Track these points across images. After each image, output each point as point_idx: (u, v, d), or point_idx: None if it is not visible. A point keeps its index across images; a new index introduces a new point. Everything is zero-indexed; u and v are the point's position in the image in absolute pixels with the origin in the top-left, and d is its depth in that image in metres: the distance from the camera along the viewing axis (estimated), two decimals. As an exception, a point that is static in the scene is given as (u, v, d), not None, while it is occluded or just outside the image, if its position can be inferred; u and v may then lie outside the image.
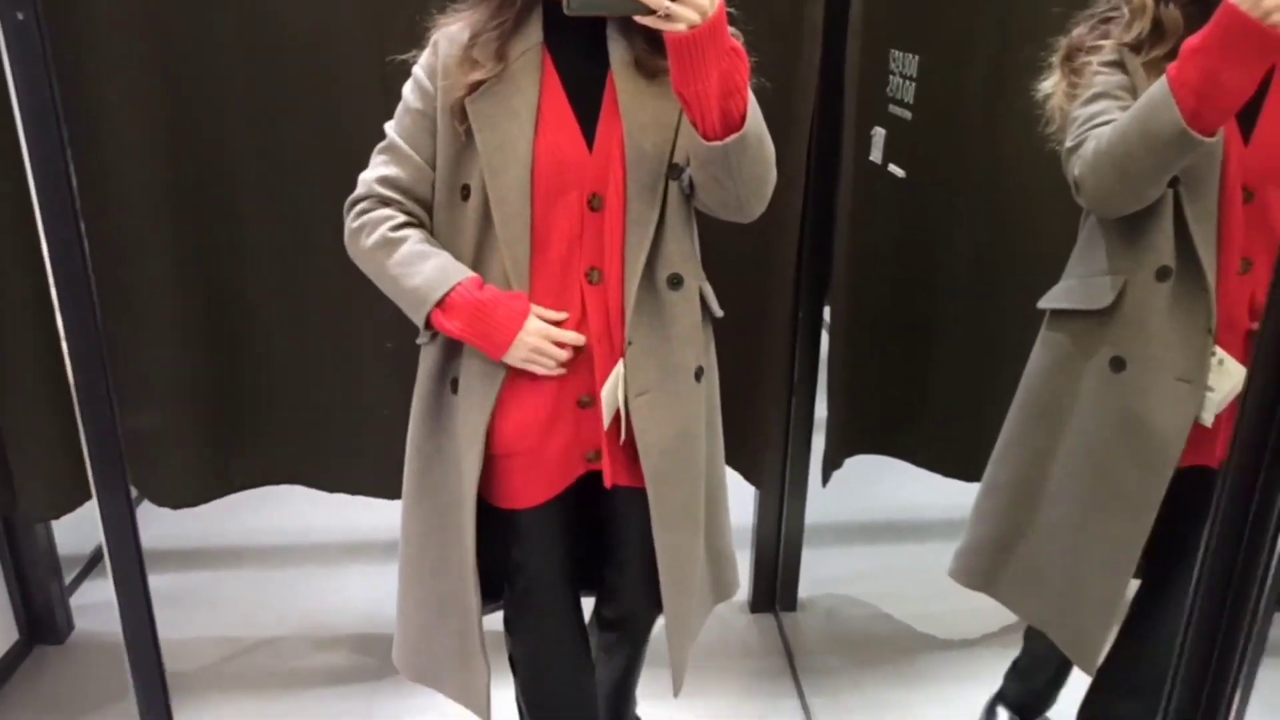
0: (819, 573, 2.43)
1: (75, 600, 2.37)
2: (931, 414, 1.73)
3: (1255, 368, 0.66)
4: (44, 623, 2.25)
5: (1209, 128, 1.20)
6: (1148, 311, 1.37)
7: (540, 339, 1.29)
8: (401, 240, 1.31)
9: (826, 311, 2.13)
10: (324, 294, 2.01)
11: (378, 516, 2.45)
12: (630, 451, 1.38)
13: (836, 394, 2.15)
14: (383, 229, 1.32)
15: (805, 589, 2.40)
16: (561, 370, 1.32)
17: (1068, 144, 1.37)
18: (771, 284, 2.05)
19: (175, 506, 2.10)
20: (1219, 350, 1.35)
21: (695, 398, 1.40)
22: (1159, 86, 1.22)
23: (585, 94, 1.29)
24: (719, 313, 1.46)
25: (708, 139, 1.19)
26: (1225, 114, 1.21)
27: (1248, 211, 1.34)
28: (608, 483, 1.38)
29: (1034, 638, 1.84)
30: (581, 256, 1.32)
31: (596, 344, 1.34)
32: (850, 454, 2.27)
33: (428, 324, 1.32)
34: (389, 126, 1.36)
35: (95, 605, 2.38)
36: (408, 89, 1.34)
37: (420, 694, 2.10)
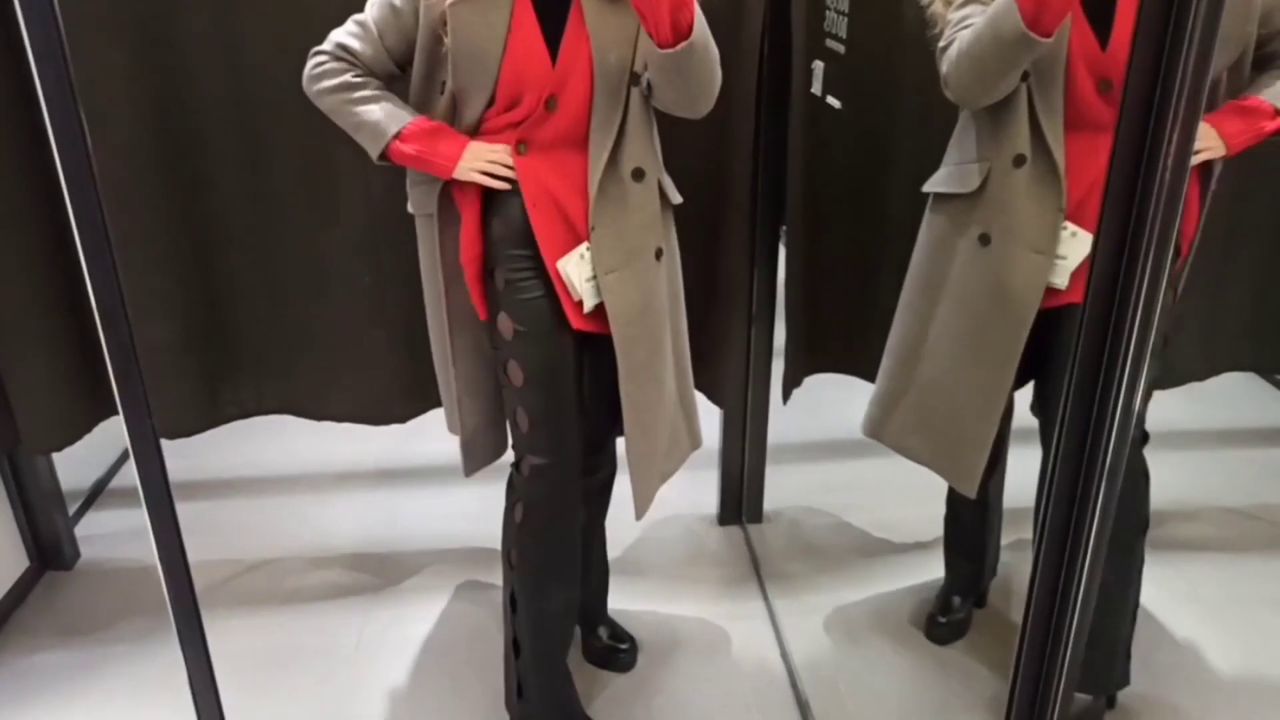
0: (782, 486, 2.57)
1: (79, 531, 2.50)
2: (881, 332, 1.85)
3: (1100, 232, 0.79)
4: (52, 551, 2.38)
5: (1046, 30, 1.37)
6: (1008, 193, 1.57)
7: (484, 155, 1.50)
8: (361, 85, 1.53)
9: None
10: (305, 228, 2.10)
11: (364, 445, 2.59)
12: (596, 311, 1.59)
13: (794, 316, 2.27)
14: (344, 76, 1.53)
15: (770, 502, 2.55)
16: (506, 186, 1.52)
17: (940, 44, 1.55)
18: (729, 212, 2.16)
19: (172, 437, 2.21)
20: (1069, 224, 1.54)
21: (656, 274, 1.61)
22: None
23: (552, 13, 1.47)
24: (676, 199, 1.66)
25: (662, 47, 1.36)
26: (1057, 17, 1.37)
27: (1106, 98, 1.51)
28: (577, 325, 1.58)
29: (952, 509, 2.04)
30: (517, 133, 1.51)
31: (535, 211, 1.54)
32: (809, 373, 2.39)
33: (383, 155, 1.53)
34: (368, 6, 1.53)
35: (99, 535, 2.52)
36: None
37: (414, 604, 2.27)
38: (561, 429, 1.63)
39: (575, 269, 1.54)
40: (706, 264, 2.19)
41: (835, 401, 2.45)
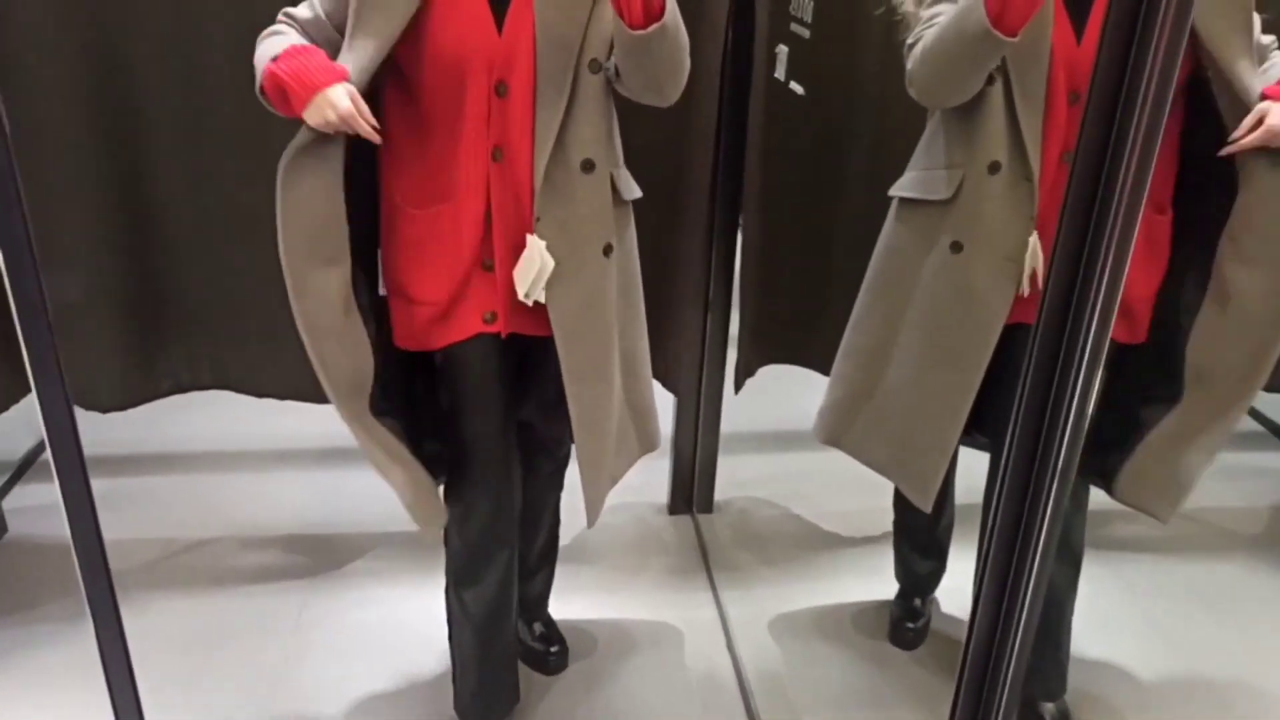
0: (734, 477, 2.56)
1: (7, 504, 2.41)
2: (837, 324, 1.84)
3: (1058, 244, 0.78)
4: (-24, 525, 2.30)
5: (1010, 28, 1.35)
6: (981, 201, 1.54)
7: (344, 106, 1.31)
8: (280, 33, 1.42)
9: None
10: (247, 200, 2.03)
11: (305, 421, 2.53)
12: (538, 308, 1.52)
13: (749, 306, 2.25)
14: (270, 31, 1.43)
15: (721, 492, 2.54)
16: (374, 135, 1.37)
17: (908, 41, 1.52)
18: (689, 197, 2.13)
19: (104, 410, 2.14)
20: (1035, 241, 1.53)
21: (603, 270, 1.53)
22: None
23: None
24: (631, 196, 1.59)
25: (633, 28, 1.31)
26: (1022, 16, 1.34)
27: (1073, 111, 1.49)
28: (503, 331, 1.53)
29: (901, 516, 2.03)
30: (488, 136, 1.44)
31: (498, 215, 1.47)
32: (762, 364, 2.38)
33: (262, 88, 1.38)
34: None
35: (27, 509, 2.43)
36: None
37: (352, 589, 2.22)
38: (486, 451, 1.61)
39: (526, 261, 1.48)
40: (664, 249, 2.16)
41: (788, 393, 2.45)
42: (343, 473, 2.67)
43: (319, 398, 2.23)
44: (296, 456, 2.73)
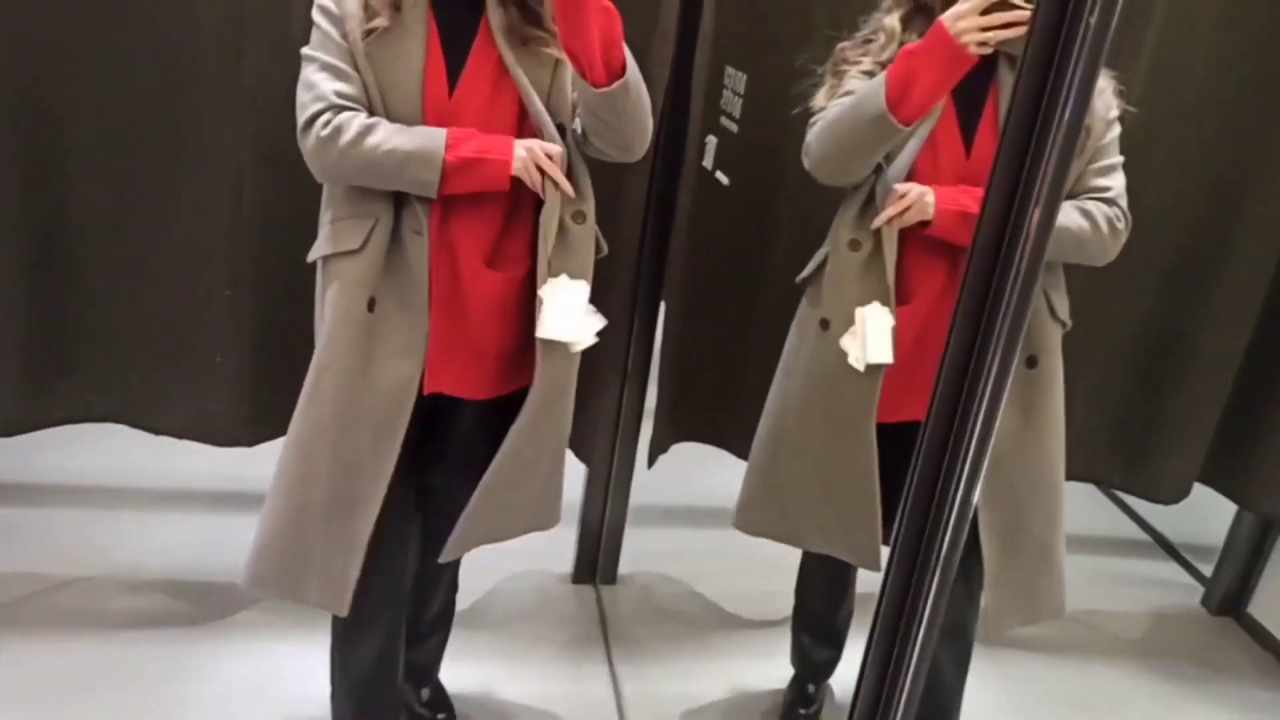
0: (639, 549, 2.56)
1: None
2: (751, 407, 1.87)
3: (950, 339, 0.82)
4: None
5: (905, 117, 1.45)
6: (844, 278, 1.62)
7: (533, 150, 1.42)
8: (379, 124, 1.39)
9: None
10: (162, 232, 1.99)
11: (198, 462, 2.44)
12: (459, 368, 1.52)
13: (666, 384, 2.28)
14: (359, 121, 1.39)
15: (625, 565, 2.53)
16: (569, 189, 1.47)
17: (812, 119, 1.60)
18: (614, 273, 2.16)
19: (-14, 435, 2.04)
20: (861, 310, 1.59)
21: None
22: (879, 78, 1.46)
23: (457, 50, 1.44)
24: (603, 250, 1.62)
25: (597, 87, 1.36)
26: (919, 108, 1.45)
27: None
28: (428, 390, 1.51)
29: (801, 602, 2.06)
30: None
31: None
32: (676, 440, 2.40)
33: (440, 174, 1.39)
34: (313, 50, 1.42)
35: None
36: (321, 19, 1.42)
37: (235, 639, 2.13)
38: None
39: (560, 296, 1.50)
40: (586, 319, 2.18)
41: (699, 469, 2.47)
42: (234, 520, 2.57)
43: (215, 438, 2.17)
44: (187, 498, 2.63)
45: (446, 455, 1.67)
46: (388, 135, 1.38)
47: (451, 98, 1.44)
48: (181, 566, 2.35)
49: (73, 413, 2.12)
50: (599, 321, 1.54)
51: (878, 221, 1.56)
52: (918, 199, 1.52)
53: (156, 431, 2.16)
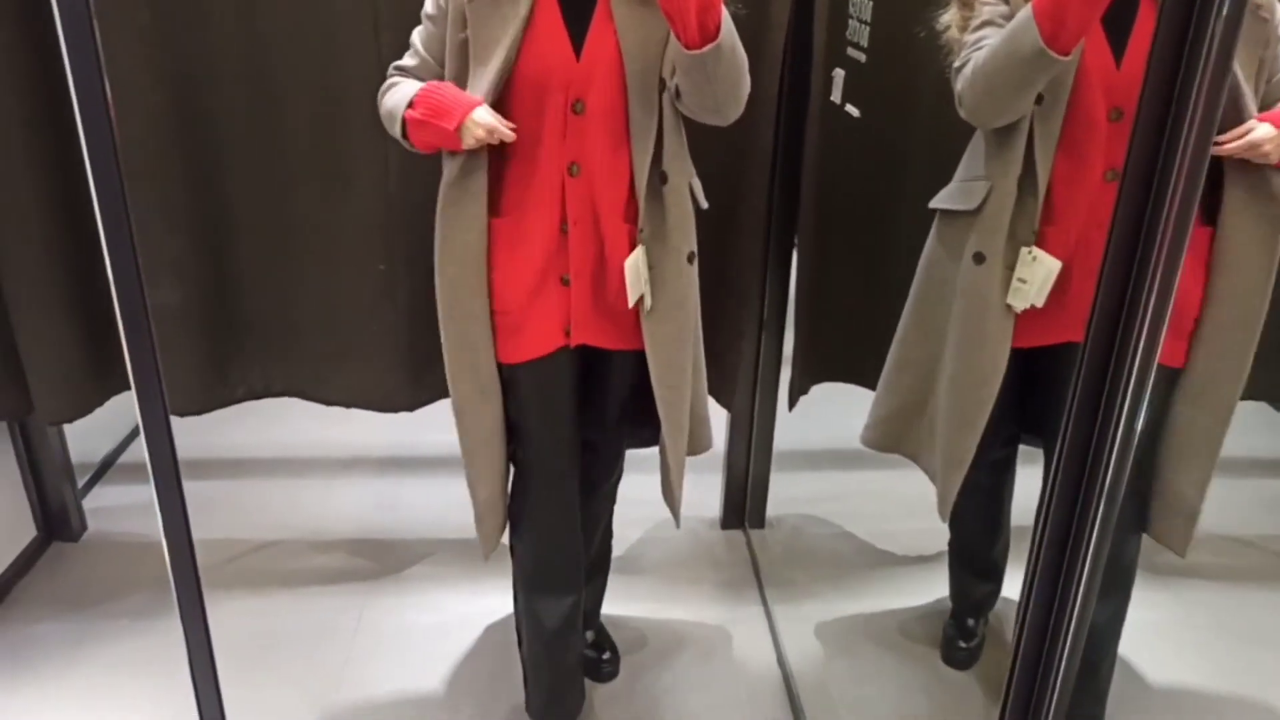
0: (786, 493, 2.57)
1: (87, 503, 2.53)
2: (889, 342, 1.85)
3: (1106, 261, 0.79)
4: (59, 522, 2.41)
5: (1064, 48, 1.36)
6: (1005, 214, 1.56)
7: (488, 122, 1.43)
8: (397, 84, 1.54)
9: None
10: (318, 218, 2.11)
11: (368, 430, 2.60)
12: (611, 320, 1.60)
13: (803, 326, 2.27)
14: (388, 83, 1.57)
15: (773, 508, 2.55)
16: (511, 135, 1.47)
17: (955, 65, 1.54)
18: (745, 217, 2.16)
19: (181, 414, 2.23)
20: (1034, 249, 1.55)
21: (689, 277, 1.61)
22: (1024, 13, 1.38)
23: (577, 10, 1.47)
24: (704, 205, 1.65)
25: (689, 48, 1.35)
26: (1076, 35, 1.37)
27: (1114, 128, 1.50)
28: (573, 343, 1.60)
29: (956, 537, 2.03)
30: (564, 152, 1.50)
31: (574, 229, 1.53)
32: (816, 381, 2.39)
33: (404, 132, 1.50)
34: (415, 30, 1.57)
35: (106, 508, 2.54)
36: (429, 4, 1.54)
37: (414, 593, 2.28)
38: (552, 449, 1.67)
39: (633, 271, 1.55)
40: (721, 268, 2.19)
41: (841, 411, 2.46)
42: (403, 480, 2.74)
43: (383, 406, 2.31)
44: (361, 464, 2.82)
45: (596, 408, 1.74)
46: (389, 94, 1.53)
47: (579, 62, 1.47)
48: (362, 526, 2.52)
49: (253, 390, 2.29)
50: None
51: (1218, 150, 1.42)
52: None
53: (328, 403, 2.32)
